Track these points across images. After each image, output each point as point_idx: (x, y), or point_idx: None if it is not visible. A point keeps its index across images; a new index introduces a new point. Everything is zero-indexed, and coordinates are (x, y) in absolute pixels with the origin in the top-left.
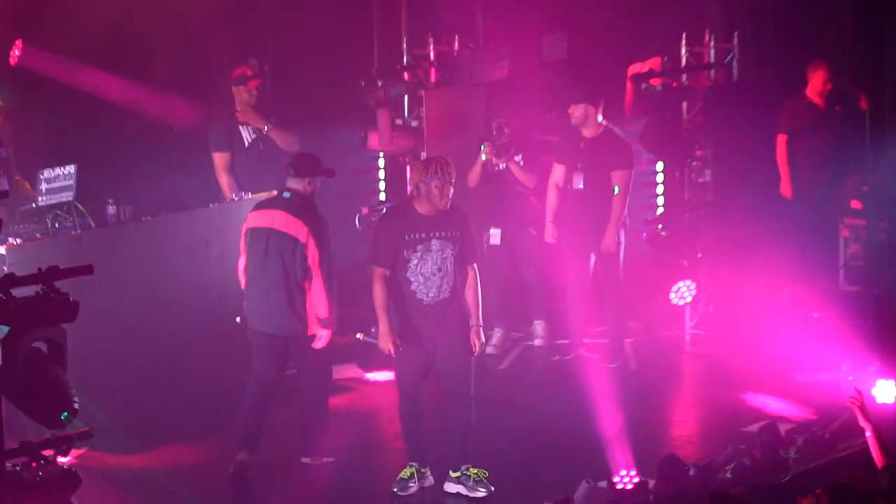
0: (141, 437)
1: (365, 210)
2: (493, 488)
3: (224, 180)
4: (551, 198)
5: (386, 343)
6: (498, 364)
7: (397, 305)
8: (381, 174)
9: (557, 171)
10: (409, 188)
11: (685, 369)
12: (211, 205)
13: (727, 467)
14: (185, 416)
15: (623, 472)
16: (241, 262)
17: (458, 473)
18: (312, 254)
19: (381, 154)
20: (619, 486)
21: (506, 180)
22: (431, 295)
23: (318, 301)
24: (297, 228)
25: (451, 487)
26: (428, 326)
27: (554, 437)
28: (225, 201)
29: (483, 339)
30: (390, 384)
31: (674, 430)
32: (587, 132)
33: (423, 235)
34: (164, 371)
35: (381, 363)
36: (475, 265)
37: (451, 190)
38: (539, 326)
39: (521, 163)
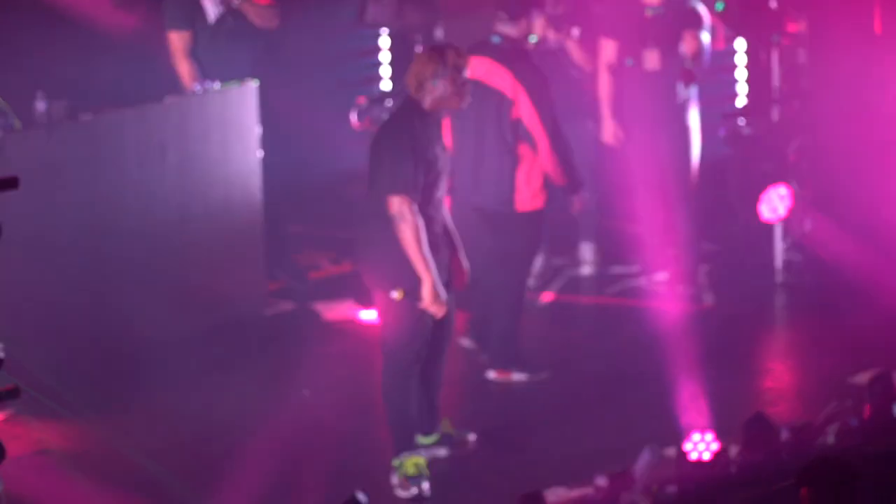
0: (83, 397)
1: (363, 100)
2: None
3: (183, 66)
4: (605, 84)
5: (439, 303)
6: (537, 299)
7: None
8: (385, 56)
9: (608, 49)
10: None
11: (776, 304)
12: (167, 98)
13: (829, 429)
14: (139, 369)
15: (697, 437)
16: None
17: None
18: (527, 113)
19: (384, 31)
20: (693, 455)
21: (556, 63)
22: (449, 226)
23: (550, 169)
24: (502, 80)
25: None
26: (445, 268)
27: (608, 391)
28: (185, 93)
29: None
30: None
31: (762, 383)
32: None
33: (441, 150)
34: (109, 312)
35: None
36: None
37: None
38: (588, 250)
39: (578, 39)
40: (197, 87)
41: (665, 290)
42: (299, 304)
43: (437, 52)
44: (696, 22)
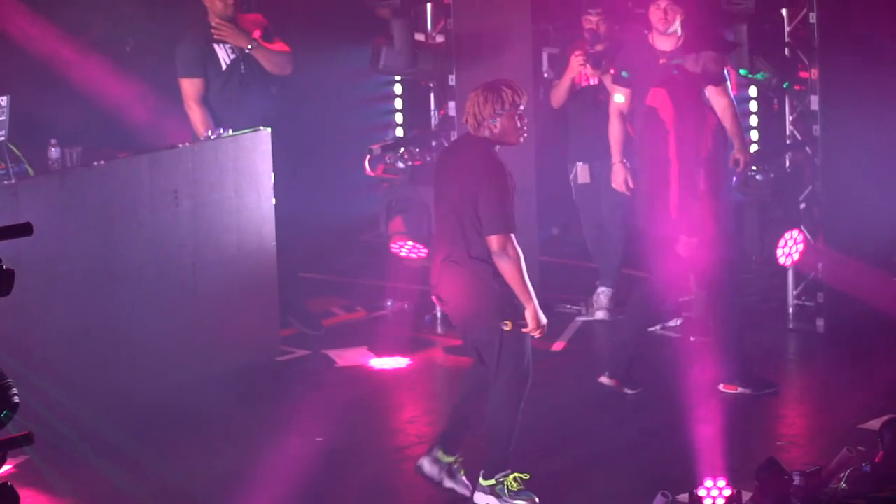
0: (96, 444)
1: (377, 149)
2: (536, 499)
3: (196, 113)
4: (615, 130)
5: (542, 327)
6: (550, 343)
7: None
8: (398, 103)
9: (620, 97)
10: (466, 122)
11: (788, 349)
12: (180, 145)
13: (841, 475)
14: (150, 416)
15: (710, 483)
16: None
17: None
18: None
19: (398, 78)
20: (707, 502)
21: (595, 99)
22: None
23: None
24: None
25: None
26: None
27: (620, 437)
28: (198, 140)
29: None
30: (394, 375)
31: (774, 428)
32: (666, 43)
33: (513, 184)
34: (122, 358)
35: (392, 346)
36: None
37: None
38: (603, 295)
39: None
40: (210, 134)
41: (679, 335)
42: (312, 351)
43: (494, 91)
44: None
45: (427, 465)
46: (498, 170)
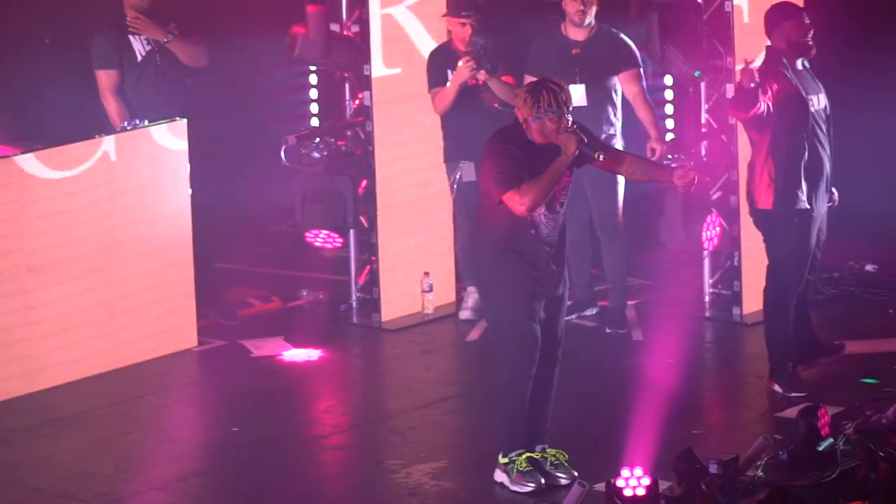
0: None
1: (292, 139)
2: (575, 473)
3: (112, 105)
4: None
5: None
6: (467, 333)
7: (514, 253)
8: (314, 93)
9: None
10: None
11: (705, 337)
12: (96, 137)
13: (758, 463)
14: (62, 405)
15: (627, 473)
16: None
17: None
18: None
19: (313, 68)
20: (627, 492)
21: (481, 99)
22: (552, 235)
23: None
24: None
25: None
26: (545, 275)
27: None
28: (114, 131)
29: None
30: (310, 365)
31: (691, 418)
32: (580, 33)
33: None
34: (37, 347)
35: (310, 338)
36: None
37: (570, 118)
38: (471, 297)
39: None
40: (126, 125)
41: (595, 324)
42: (228, 341)
43: (534, 94)
44: (632, 61)
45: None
46: (502, 143)
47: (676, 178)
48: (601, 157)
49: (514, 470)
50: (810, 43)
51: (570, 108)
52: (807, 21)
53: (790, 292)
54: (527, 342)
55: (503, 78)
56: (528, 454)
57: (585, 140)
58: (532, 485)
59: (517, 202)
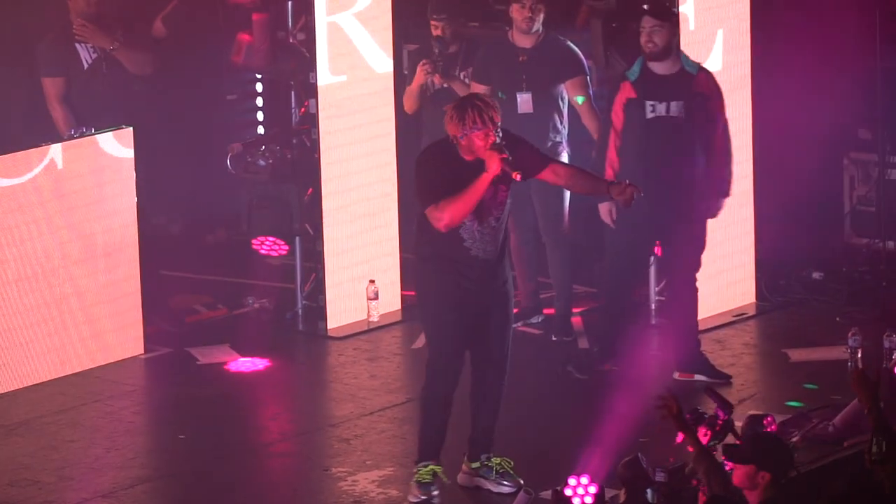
0: None
1: (238, 147)
2: (521, 481)
3: (58, 112)
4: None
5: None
6: (413, 341)
7: (445, 264)
8: (259, 101)
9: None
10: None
11: (650, 347)
12: (41, 145)
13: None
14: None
15: (573, 482)
16: None
17: (477, 464)
18: None
19: (259, 75)
20: (575, 500)
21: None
22: (489, 250)
23: None
24: None
25: (468, 480)
26: (479, 287)
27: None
28: (61, 138)
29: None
30: (256, 372)
31: (638, 426)
32: (527, 40)
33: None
34: None
35: (256, 346)
36: (555, 159)
37: (499, 133)
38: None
39: (468, 80)
40: (72, 133)
41: (541, 332)
42: (174, 349)
43: (459, 111)
44: (578, 69)
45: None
46: (428, 159)
47: (615, 193)
48: (518, 178)
49: (414, 478)
50: (649, 46)
51: (499, 124)
52: (645, 26)
53: None
54: (443, 362)
55: (472, 84)
56: (434, 468)
57: (510, 158)
58: (418, 498)
59: (435, 217)
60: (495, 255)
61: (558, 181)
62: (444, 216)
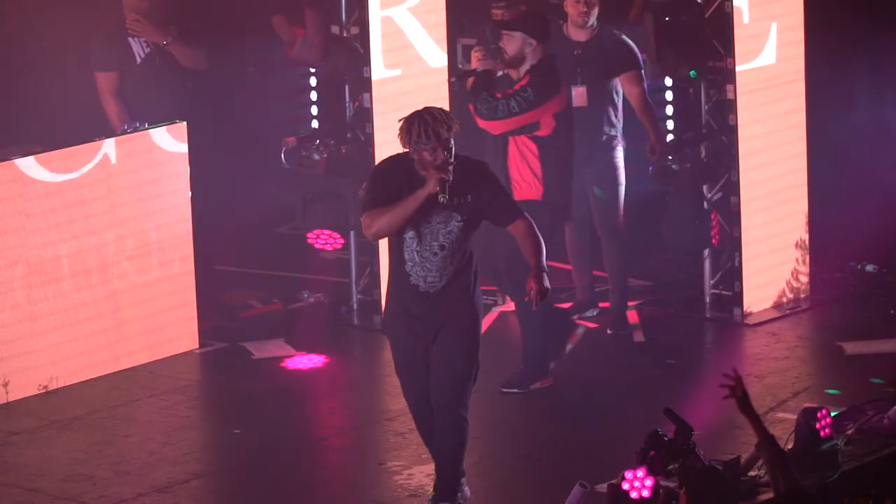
0: None
1: (292, 141)
2: None
3: (112, 107)
4: None
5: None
6: None
7: (395, 303)
8: (314, 95)
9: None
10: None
11: (706, 338)
12: (96, 140)
13: (757, 464)
14: (67, 408)
15: (630, 475)
16: None
17: None
18: None
19: (314, 70)
20: (633, 494)
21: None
22: (431, 280)
23: None
24: None
25: None
26: (425, 321)
27: (538, 430)
28: (115, 133)
29: (546, 284)
30: (311, 367)
31: (693, 421)
32: (582, 34)
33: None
34: (41, 353)
35: (311, 341)
36: (523, 216)
37: (451, 150)
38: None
39: None
40: (126, 128)
41: (597, 326)
42: (230, 343)
43: (407, 124)
44: (633, 63)
45: None
46: (378, 170)
47: (529, 282)
48: (443, 200)
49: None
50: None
51: (450, 140)
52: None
53: None
54: (410, 410)
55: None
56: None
57: (449, 179)
58: None
59: (365, 224)
60: (437, 287)
61: (515, 234)
62: (373, 224)
